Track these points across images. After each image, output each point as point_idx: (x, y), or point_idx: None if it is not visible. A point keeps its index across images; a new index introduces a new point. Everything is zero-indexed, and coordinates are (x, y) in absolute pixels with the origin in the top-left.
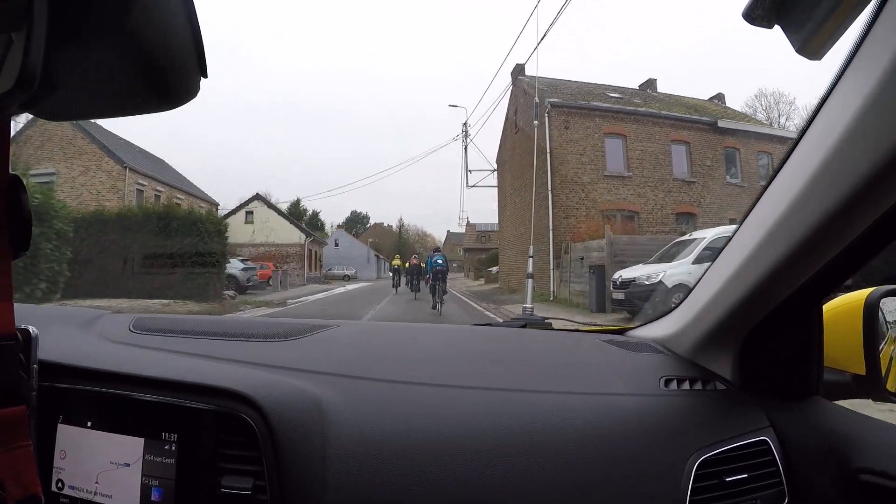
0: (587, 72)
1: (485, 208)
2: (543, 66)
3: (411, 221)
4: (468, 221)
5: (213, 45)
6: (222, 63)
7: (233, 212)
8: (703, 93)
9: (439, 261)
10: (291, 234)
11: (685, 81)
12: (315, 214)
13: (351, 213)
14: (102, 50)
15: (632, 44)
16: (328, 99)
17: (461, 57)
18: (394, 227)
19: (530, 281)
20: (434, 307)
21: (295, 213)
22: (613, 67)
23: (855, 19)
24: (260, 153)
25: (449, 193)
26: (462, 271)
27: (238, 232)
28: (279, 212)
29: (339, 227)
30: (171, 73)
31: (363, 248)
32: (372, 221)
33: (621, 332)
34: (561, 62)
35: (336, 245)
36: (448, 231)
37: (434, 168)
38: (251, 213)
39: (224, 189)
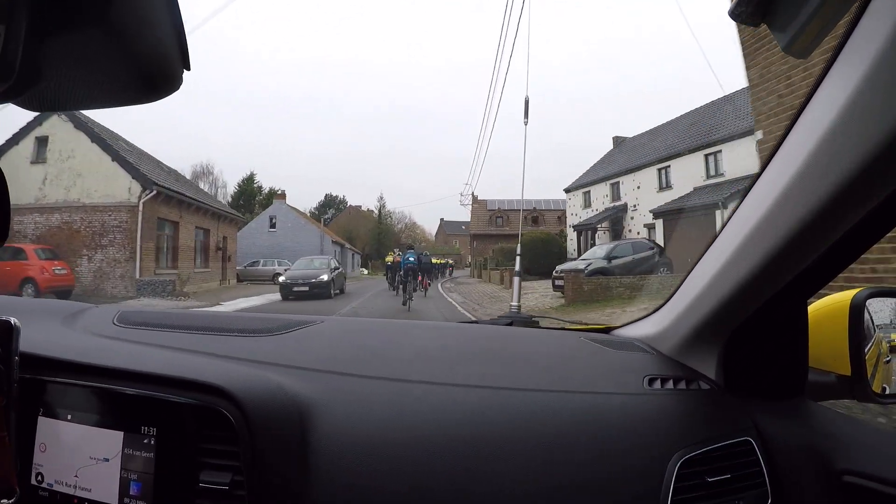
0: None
1: (496, 183)
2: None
3: (396, 207)
4: (475, 198)
5: (207, 38)
6: (219, 57)
7: (11, 142)
8: None
9: (410, 258)
10: (117, 186)
11: None
12: (272, 193)
13: (325, 197)
14: (85, 42)
15: None
16: (316, 91)
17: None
18: (375, 212)
19: (517, 279)
20: (404, 303)
21: (247, 192)
22: None
23: (840, 19)
24: (247, 146)
25: (440, 187)
26: (467, 268)
27: (20, 180)
28: (95, 138)
29: (278, 196)
30: (154, 65)
31: (314, 233)
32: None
33: (607, 330)
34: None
35: (272, 226)
36: (441, 220)
37: (429, 160)
38: (45, 141)
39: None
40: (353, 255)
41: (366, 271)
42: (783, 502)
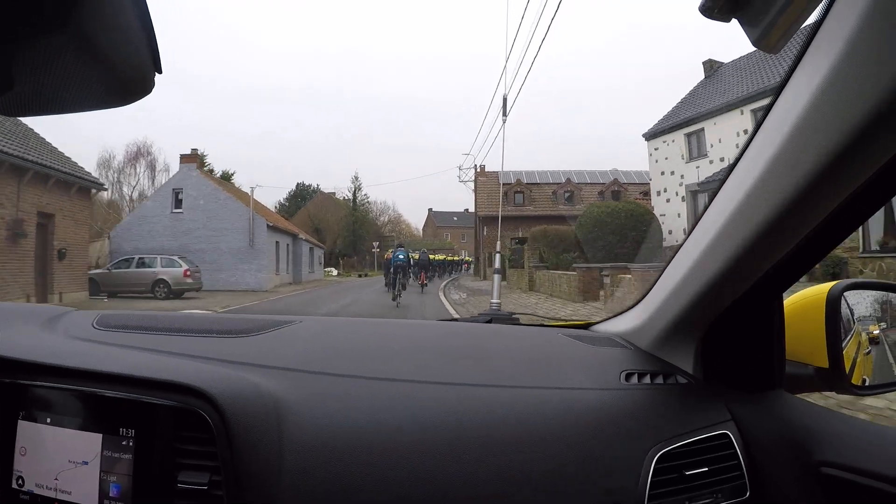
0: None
1: (511, 151)
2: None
3: (378, 197)
4: (481, 170)
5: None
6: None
7: None
8: None
9: (400, 256)
10: None
11: None
12: (226, 176)
13: (297, 187)
14: (54, 48)
15: None
16: (295, 77)
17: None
18: (349, 195)
19: (497, 277)
20: (393, 298)
21: None
22: None
23: (811, 13)
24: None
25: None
26: (472, 270)
27: None
28: None
29: (187, 158)
30: (126, 70)
31: (243, 214)
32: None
33: (586, 326)
34: None
35: (177, 205)
36: (430, 210)
37: (418, 152)
38: None
39: None
40: (311, 249)
41: (335, 272)
42: (761, 494)
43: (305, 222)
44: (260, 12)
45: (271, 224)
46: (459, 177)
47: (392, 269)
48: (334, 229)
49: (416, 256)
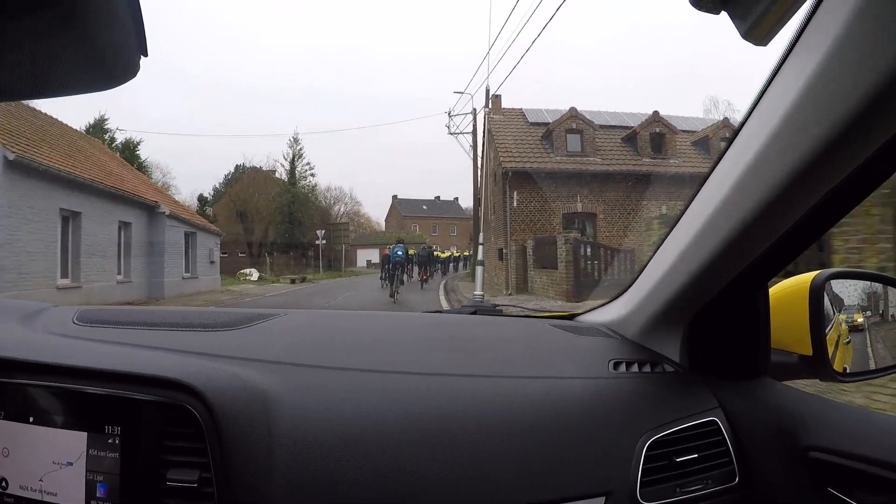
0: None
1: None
2: None
3: (334, 181)
4: (495, 103)
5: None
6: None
7: None
8: None
9: (398, 252)
10: None
11: None
12: (131, 146)
13: (235, 169)
14: (38, 29)
15: None
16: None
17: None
18: (285, 166)
19: (480, 269)
20: (391, 294)
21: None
22: None
23: (801, 5)
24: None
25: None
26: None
27: None
28: None
29: None
30: (111, 52)
31: None
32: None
33: (571, 317)
34: None
35: None
36: (394, 197)
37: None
38: None
39: None
40: (191, 236)
41: (256, 275)
42: (750, 479)
43: (228, 207)
44: (260, 12)
45: (28, 160)
46: (449, 126)
47: (390, 266)
48: (264, 214)
49: (416, 252)
